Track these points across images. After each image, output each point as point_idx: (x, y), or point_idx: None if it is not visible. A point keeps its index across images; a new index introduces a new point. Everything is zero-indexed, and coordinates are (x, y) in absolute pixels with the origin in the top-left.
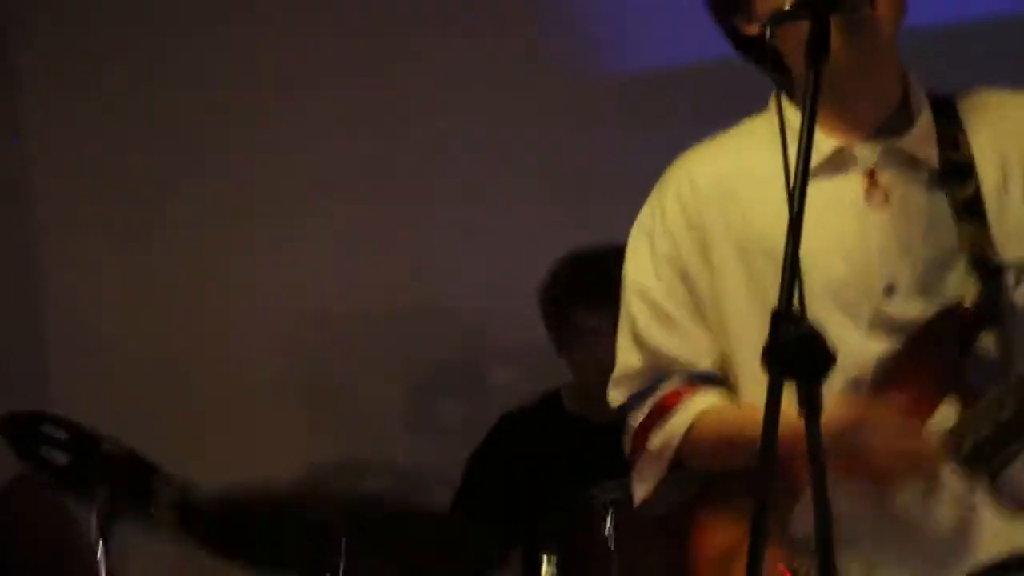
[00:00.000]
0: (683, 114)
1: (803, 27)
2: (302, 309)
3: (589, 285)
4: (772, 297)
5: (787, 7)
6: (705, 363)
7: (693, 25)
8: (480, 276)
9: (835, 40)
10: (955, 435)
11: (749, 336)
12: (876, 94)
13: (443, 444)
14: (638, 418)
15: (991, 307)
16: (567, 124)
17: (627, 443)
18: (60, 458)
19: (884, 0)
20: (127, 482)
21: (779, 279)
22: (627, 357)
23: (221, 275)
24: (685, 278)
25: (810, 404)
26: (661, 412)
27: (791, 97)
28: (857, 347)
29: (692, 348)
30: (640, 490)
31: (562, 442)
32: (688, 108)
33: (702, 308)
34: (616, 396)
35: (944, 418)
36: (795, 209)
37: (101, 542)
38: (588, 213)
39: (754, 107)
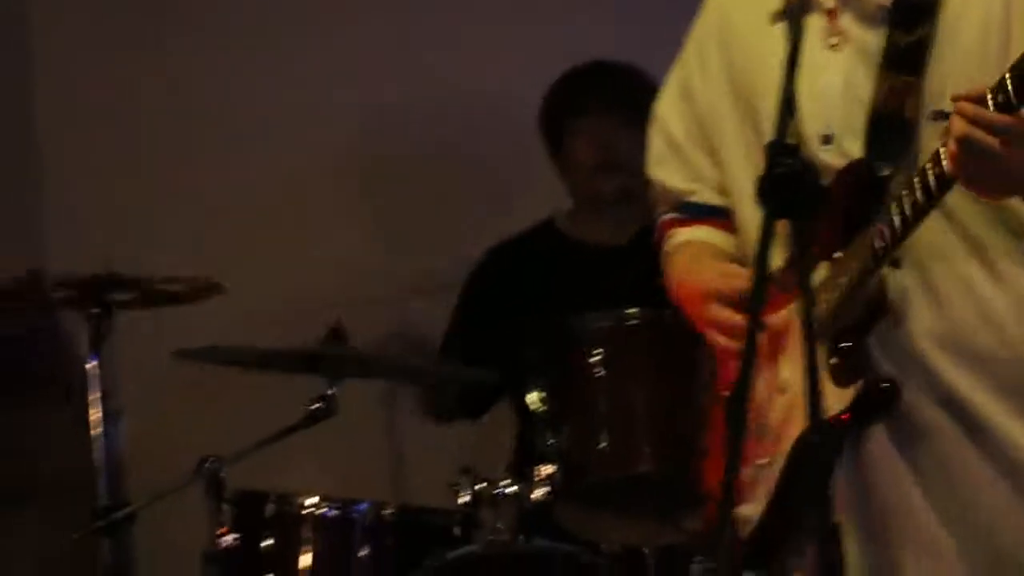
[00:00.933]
0: None
1: None
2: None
3: (587, 93)
4: (749, 137)
5: None
6: (702, 194)
7: None
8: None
9: None
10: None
11: (737, 173)
12: None
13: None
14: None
15: (883, 165)
16: None
17: None
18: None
19: None
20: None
21: (754, 119)
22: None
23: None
24: (693, 106)
25: (801, 242)
26: (660, 240)
27: None
28: None
29: (693, 177)
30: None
31: (557, 270)
32: None
33: (707, 136)
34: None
35: (818, 276)
36: (792, 40)
37: (93, 357)
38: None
39: None
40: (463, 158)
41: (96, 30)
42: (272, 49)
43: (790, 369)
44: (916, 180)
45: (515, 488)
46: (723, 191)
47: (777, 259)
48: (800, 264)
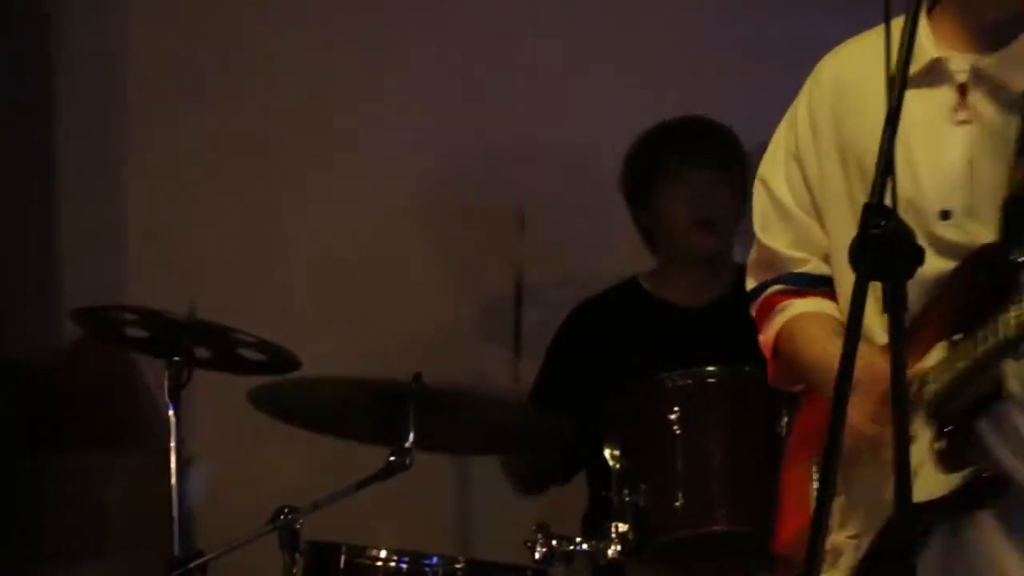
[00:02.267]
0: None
1: None
2: (371, 202)
3: (676, 142)
4: (857, 202)
5: None
6: (812, 264)
7: None
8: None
9: None
10: (921, 379)
11: (840, 240)
12: (993, 4)
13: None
14: (753, 310)
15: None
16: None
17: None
18: (137, 333)
19: None
20: (202, 341)
21: (867, 187)
22: (752, 248)
23: (311, 134)
24: (803, 171)
25: (894, 302)
26: (766, 311)
27: None
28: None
29: (802, 244)
30: (770, 373)
31: (641, 328)
32: None
33: (817, 205)
34: (747, 282)
35: (934, 356)
36: (893, 104)
37: (172, 404)
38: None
39: None
40: (541, 210)
41: (184, 81)
42: (350, 111)
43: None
44: None
45: (588, 545)
46: (829, 259)
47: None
48: (891, 328)
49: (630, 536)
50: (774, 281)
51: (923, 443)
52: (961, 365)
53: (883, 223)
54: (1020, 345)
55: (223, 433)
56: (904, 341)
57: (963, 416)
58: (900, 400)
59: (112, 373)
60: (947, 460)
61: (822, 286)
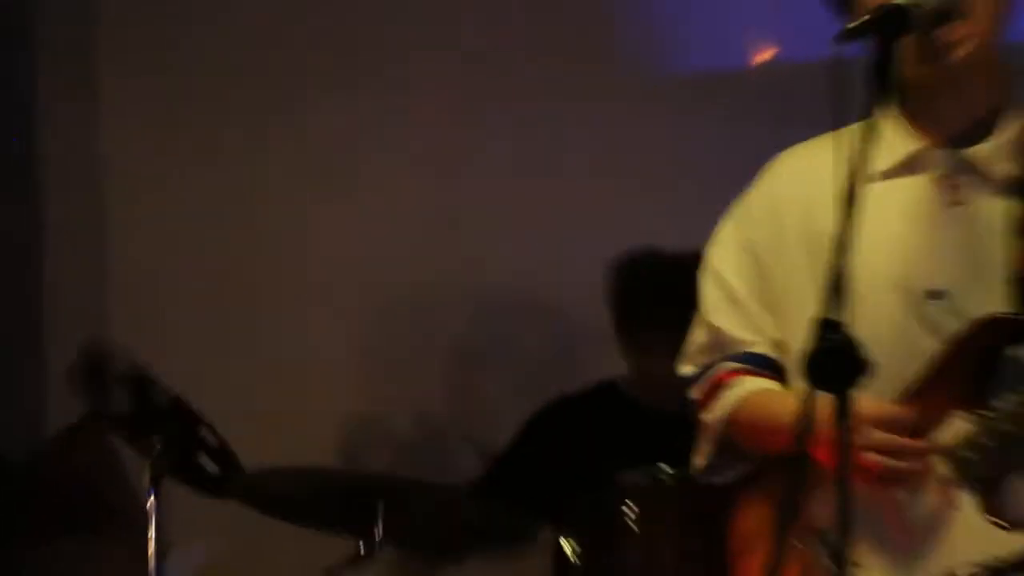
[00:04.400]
0: (742, 113)
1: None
2: (358, 279)
3: (657, 273)
4: None
5: (852, 25)
6: (762, 346)
7: (755, 29)
8: (536, 259)
9: (908, 58)
10: (960, 450)
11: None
12: (960, 106)
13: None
14: (697, 392)
15: None
16: (629, 117)
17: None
18: (120, 402)
19: (960, 26)
20: (177, 432)
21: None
22: (696, 333)
23: (279, 229)
24: (758, 265)
25: (841, 412)
26: (714, 390)
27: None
28: (908, 343)
29: (753, 330)
30: (696, 460)
31: (617, 431)
32: (746, 108)
33: (770, 295)
34: (684, 368)
35: (952, 430)
36: (844, 223)
37: (152, 492)
38: (642, 204)
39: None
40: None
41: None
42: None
43: None
44: None
45: None
46: (780, 348)
47: None
48: (839, 432)
49: None
50: (724, 360)
51: (970, 510)
52: (1008, 429)
53: (834, 336)
54: None
55: (197, 523)
56: (850, 449)
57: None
58: (844, 494)
59: (92, 462)
60: (1010, 520)
61: (770, 370)
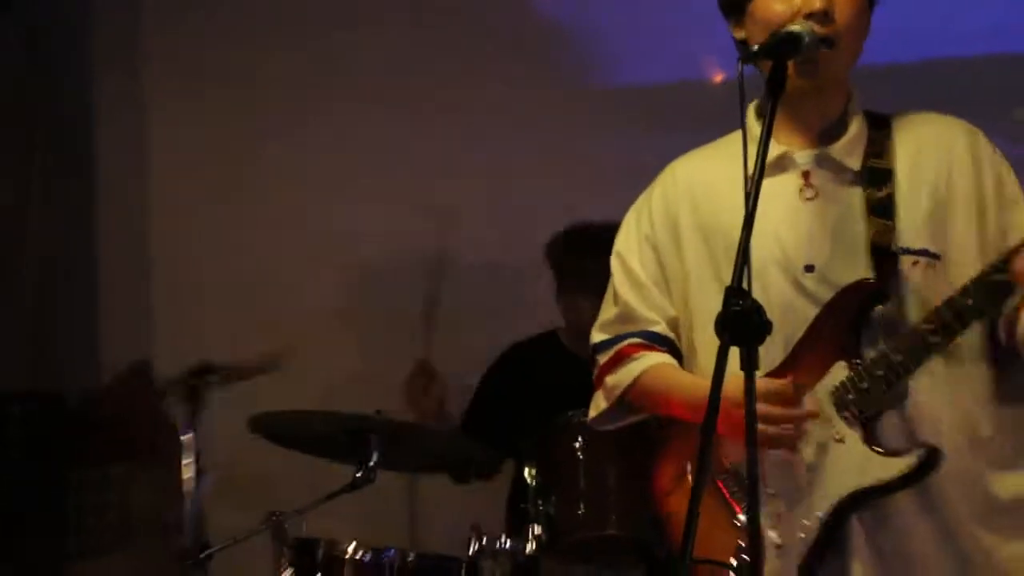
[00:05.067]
0: (663, 123)
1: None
2: (353, 259)
3: (585, 246)
4: (725, 275)
5: (755, 48)
6: (660, 326)
7: (676, 48)
8: (495, 237)
9: (791, 74)
10: (840, 393)
11: (707, 306)
12: (820, 111)
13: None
14: (603, 359)
15: (887, 284)
16: (571, 125)
17: (595, 374)
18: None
19: (831, 53)
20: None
21: (732, 260)
22: (607, 308)
23: (295, 230)
24: (657, 254)
25: (749, 364)
26: (620, 359)
27: (759, 108)
28: (793, 311)
29: (653, 309)
30: (593, 411)
31: (556, 373)
32: (667, 119)
33: (668, 281)
34: (595, 336)
35: (835, 377)
36: (749, 208)
37: (187, 432)
38: (581, 194)
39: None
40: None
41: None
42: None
43: None
44: (972, 286)
45: (511, 544)
46: (673, 325)
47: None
48: (746, 380)
49: (543, 537)
50: (629, 335)
51: (852, 442)
52: (879, 374)
53: (741, 303)
54: (928, 351)
55: (226, 451)
56: (755, 387)
57: (877, 414)
58: (752, 426)
59: (139, 403)
60: (883, 449)
61: (665, 346)
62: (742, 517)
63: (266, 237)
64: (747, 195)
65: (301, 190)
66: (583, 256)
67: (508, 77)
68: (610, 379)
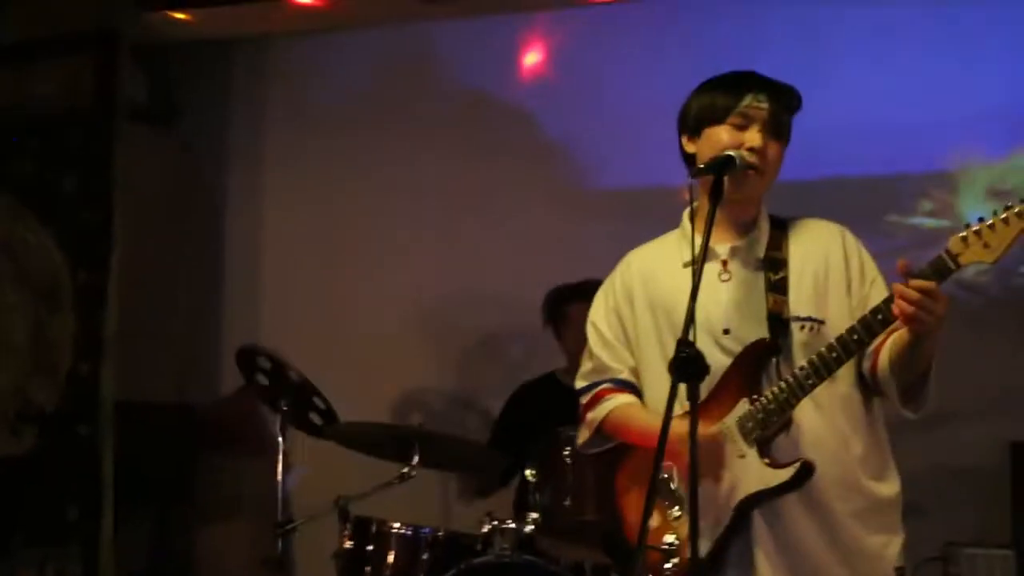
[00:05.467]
0: (637, 221)
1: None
2: (411, 306)
3: (575, 298)
4: (665, 338)
5: (701, 166)
6: (625, 373)
7: (656, 159)
8: (515, 290)
9: (727, 186)
10: (743, 421)
11: (651, 358)
12: (740, 215)
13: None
14: (584, 400)
15: (781, 342)
16: (562, 217)
17: (579, 412)
18: (263, 380)
19: (756, 175)
20: (299, 399)
21: (671, 327)
22: (585, 362)
23: (372, 281)
24: (620, 320)
25: (694, 396)
26: (596, 400)
27: (692, 213)
28: (714, 362)
29: (619, 362)
30: (579, 439)
31: (555, 403)
32: (642, 218)
33: (627, 339)
34: (577, 383)
35: (740, 409)
36: (695, 283)
37: (282, 435)
38: (569, 268)
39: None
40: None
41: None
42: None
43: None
44: (840, 340)
45: (514, 525)
46: (635, 373)
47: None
48: (691, 410)
49: (539, 521)
50: (602, 382)
51: (751, 457)
52: (772, 407)
53: (688, 350)
54: (804, 391)
55: (308, 451)
56: (698, 415)
57: (771, 436)
58: (693, 447)
59: (248, 415)
60: (772, 463)
61: (629, 388)
62: (675, 512)
63: (352, 288)
64: (694, 273)
65: (379, 251)
66: (570, 301)
67: (524, 180)
68: (589, 415)
